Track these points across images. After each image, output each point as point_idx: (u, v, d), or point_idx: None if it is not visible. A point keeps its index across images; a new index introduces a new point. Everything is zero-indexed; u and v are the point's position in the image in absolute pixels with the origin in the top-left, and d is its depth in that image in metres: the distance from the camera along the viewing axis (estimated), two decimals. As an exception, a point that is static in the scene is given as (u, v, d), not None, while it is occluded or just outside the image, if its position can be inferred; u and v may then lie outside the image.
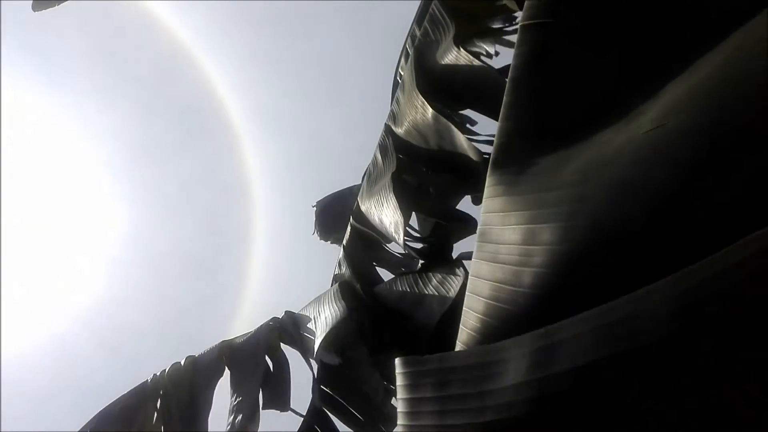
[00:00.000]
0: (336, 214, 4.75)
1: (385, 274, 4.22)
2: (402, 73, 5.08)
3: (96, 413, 4.05)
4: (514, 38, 4.05)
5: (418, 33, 4.77)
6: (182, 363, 4.14)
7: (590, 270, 1.16)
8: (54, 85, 14.56)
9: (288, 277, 15.04)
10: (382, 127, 4.09)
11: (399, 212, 3.28)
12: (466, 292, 1.39)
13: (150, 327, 14.98)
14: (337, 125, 15.24)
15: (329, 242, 4.96)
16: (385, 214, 3.45)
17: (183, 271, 15.82)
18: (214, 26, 14.51)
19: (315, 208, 5.11)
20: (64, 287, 14.83)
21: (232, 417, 3.79)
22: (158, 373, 4.23)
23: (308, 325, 3.68)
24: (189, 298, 15.44)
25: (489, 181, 1.53)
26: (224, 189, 16.00)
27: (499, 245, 1.37)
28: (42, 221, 14.69)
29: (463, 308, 1.37)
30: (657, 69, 1.42)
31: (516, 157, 1.52)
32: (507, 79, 1.68)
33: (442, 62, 3.45)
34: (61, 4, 5.33)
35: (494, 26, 4.03)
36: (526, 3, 1.75)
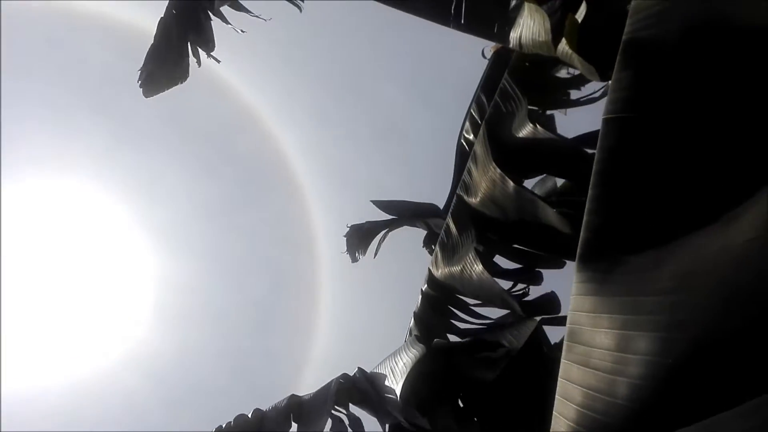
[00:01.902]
0: (361, 236, 5.55)
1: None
2: (467, 140, 5.20)
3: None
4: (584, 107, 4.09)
5: (484, 99, 4.86)
6: (249, 415, 4.18)
7: (693, 385, 1.12)
8: (125, 143, 15.52)
9: (352, 332, 15.06)
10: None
11: (496, 283, 3.32)
12: (556, 396, 1.37)
13: (218, 381, 15.25)
14: (398, 179, 15.43)
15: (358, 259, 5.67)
16: (481, 285, 3.48)
17: (250, 324, 16.13)
18: (275, 84, 15.15)
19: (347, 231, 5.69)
20: (133, 342, 15.35)
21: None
22: (224, 425, 4.28)
23: (384, 384, 3.62)
24: (255, 352, 15.66)
25: (577, 277, 1.52)
26: (289, 243, 16.33)
27: (590, 348, 1.34)
28: (106, 277, 15.38)
29: (554, 413, 1.34)
30: (749, 170, 1.39)
31: (605, 254, 1.51)
32: (593, 171, 1.68)
33: (518, 135, 3.49)
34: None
35: (565, 97, 4.07)
36: (609, 95, 1.77)
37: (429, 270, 4.21)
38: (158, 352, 15.26)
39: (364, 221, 5.69)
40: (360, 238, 5.65)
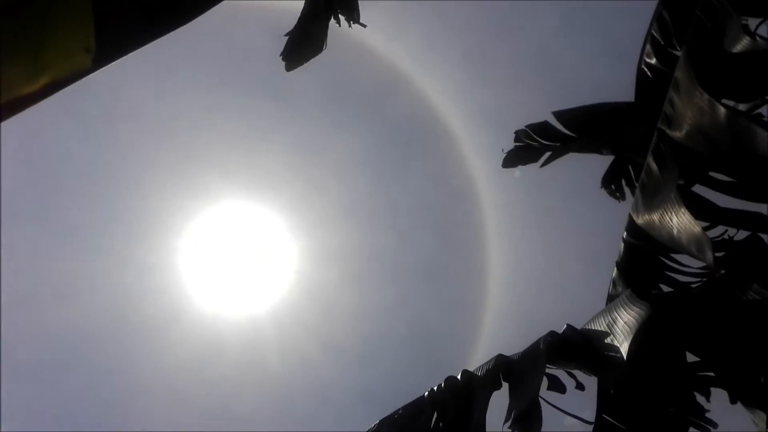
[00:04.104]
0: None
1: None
2: (649, 65, 4.67)
3: (377, 422, 4.37)
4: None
5: (668, 17, 4.29)
6: (458, 377, 4.25)
7: None
8: (287, 116, 16.28)
9: (529, 281, 14.81)
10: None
11: (697, 226, 2.93)
12: None
13: (394, 338, 15.93)
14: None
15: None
16: (678, 229, 3.11)
17: (424, 281, 16.52)
18: (420, 37, 14.88)
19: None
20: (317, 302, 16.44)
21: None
22: (435, 388, 4.40)
23: (605, 342, 3.41)
24: (432, 309, 16.07)
25: None
26: (453, 195, 16.32)
27: None
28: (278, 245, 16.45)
29: None
30: None
31: None
32: None
33: (731, 52, 3.02)
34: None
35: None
36: None
37: (630, 216, 3.88)
38: (341, 315, 16.23)
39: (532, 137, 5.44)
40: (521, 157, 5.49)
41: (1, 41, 1.28)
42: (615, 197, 5.58)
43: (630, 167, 5.42)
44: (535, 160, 5.51)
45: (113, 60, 1.34)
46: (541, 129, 5.41)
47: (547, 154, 5.36)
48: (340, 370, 15.61)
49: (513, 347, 4.07)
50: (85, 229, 15.11)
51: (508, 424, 3.57)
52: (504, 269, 15.20)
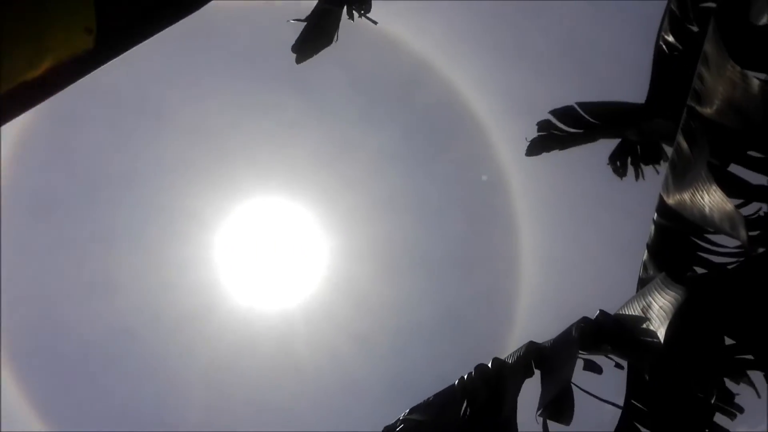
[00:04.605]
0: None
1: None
2: (666, 42, 4.57)
3: (408, 409, 4.37)
4: None
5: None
6: (489, 365, 4.22)
7: None
8: (316, 112, 16.35)
9: (561, 267, 14.62)
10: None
11: (730, 204, 2.84)
12: None
13: (426, 330, 15.92)
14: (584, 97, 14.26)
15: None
16: (710, 207, 3.02)
17: (455, 271, 16.45)
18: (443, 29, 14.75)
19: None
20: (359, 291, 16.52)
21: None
22: (465, 376, 4.38)
23: (642, 327, 3.32)
24: (464, 299, 16.00)
25: None
26: (483, 184, 16.19)
27: None
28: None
29: None
30: None
31: None
32: None
33: (759, 24, 2.92)
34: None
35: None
36: None
37: (660, 196, 3.78)
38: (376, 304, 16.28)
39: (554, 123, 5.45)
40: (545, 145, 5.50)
41: (1, 27, 1.30)
42: (618, 174, 5.71)
43: (638, 147, 5.48)
44: (559, 147, 5.52)
45: (118, 44, 1.34)
46: (566, 114, 5.39)
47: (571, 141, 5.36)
48: (371, 362, 15.70)
49: (545, 335, 4.03)
50: (123, 226, 15.49)
51: (540, 412, 3.52)
52: (535, 256, 15.06)
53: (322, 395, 15.46)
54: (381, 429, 4.23)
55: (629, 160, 5.55)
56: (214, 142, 15.69)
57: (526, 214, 15.13)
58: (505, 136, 14.70)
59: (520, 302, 14.57)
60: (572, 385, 3.42)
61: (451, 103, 15.01)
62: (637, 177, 5.59)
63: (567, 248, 15.09)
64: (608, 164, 5.68)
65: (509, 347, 4.34)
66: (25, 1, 1.30)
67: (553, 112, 5.41)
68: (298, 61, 5.92)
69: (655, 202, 3.88)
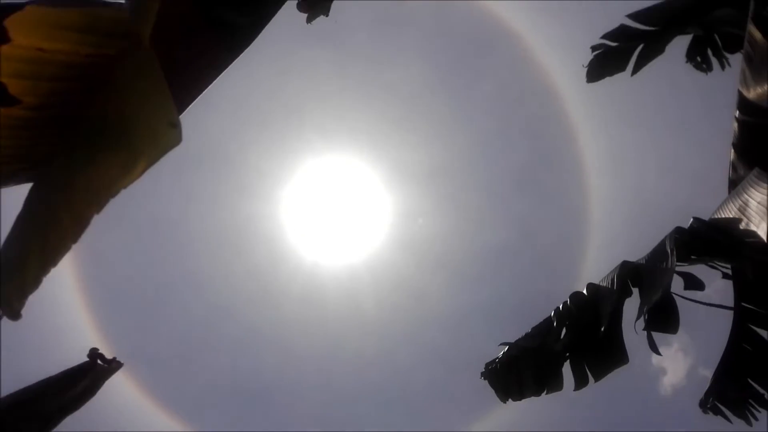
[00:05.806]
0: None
1: None
2: None
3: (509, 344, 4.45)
4: None
5: None
6: (584, 291, 4.19)
7: None
8: (382, 75, 16.18)
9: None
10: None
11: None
12: None
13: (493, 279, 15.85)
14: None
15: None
16: None
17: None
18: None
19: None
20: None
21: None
22: (560, 306, 4.37)
23: (740, 228, 3.16)
24: (535, 220, 15.79)
25: None
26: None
27: None
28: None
29: None
30: None
31: None
32: None
33: None
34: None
35: None
36: None
37: (739, 92, 3.64)
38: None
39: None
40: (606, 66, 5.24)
41: (94, 145, 1.33)
42: (701, 70, 5.33)
43: (716, 36, 5.11)
44: (621, 68, 5.23)
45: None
46: (620, 33, 5.12)
47: (633, 59, 5.07)
48: (433, 318, 15.89)
49: (635, 253, 3.93)
50: (198, 184, 15.87)
51: (642, 324, 3.42)
52: (609, 175, 14.63)
53: (389, 346, 15.80)
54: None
55: (710, 52, 5.21)
56: (283, 103, 15.80)
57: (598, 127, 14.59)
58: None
59: (594, 226, 14.28)
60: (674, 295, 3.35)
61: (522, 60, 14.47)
62: (723, 67, 5.20)
63: (645, 158, 14.56)
64: (687, 62, 5.31)
65: (600, 272, 4.27)
66: (109, 110, 1.32)
67: (606, 36, 5.15)
68: (309, 20, 5.83)
69: (734, 99, 3.73)
